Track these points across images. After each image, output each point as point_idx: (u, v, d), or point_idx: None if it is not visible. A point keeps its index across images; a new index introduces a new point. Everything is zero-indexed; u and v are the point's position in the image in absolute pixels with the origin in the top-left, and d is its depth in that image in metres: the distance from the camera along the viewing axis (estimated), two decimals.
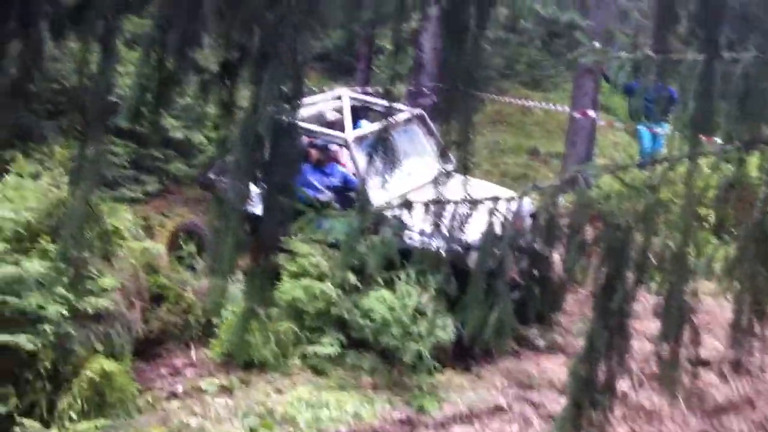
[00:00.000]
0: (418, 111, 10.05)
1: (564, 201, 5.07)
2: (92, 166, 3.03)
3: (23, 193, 7.26)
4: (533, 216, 4.02)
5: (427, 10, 3.48)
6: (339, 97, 10.05)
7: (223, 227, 2.74)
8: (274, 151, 2.79)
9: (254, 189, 3.04)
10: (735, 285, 5.13)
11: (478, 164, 14.16)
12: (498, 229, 4.78)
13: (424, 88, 13.98)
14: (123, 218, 7.89)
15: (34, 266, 6.54)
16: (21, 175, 7.65)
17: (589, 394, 4.87)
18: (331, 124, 9.77)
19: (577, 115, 13.41)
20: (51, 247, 6.82)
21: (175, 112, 9.96)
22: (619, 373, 4.98)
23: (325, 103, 10.17)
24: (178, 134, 9.96)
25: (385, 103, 11.45)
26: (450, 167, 4.15)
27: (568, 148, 13.68)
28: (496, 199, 4.70)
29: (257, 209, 3.05)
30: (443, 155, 9.81)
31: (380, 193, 4.47)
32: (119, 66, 3.09)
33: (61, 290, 6.59)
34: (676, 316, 4.66)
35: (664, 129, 11.58)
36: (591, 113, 13.37)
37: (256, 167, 2.76)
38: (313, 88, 12.56)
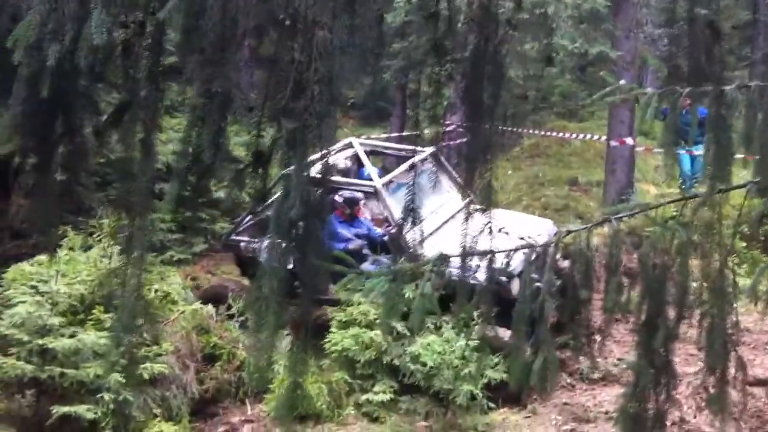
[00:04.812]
0: (430, 149, 10.38)
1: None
2: (140, 241, 3.20)
3: (75, 267, 7.51)
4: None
5: (458, 54, 3.61)
6: (349, 145, 10.28)
7: (264, 308, 2.87)
8: (306, 231, 2.94)
9: None
10: None
11: (518, 198, 14.16)
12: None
13: (458, 128, 14.09)
14: (173, 282, 8.10)
15: (91, 337, 6.77)
16: (72, 249, 7.91)
17: (640, 431, 4.87)
18: (344, 173, 10.00)
19: (614, 143, 13.39)
20: (105, 316, 7.04)
21: None
22: (669, 408, 4.97)
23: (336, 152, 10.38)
24: (221, 193, 10.15)
25: (394, 146, 11.71)
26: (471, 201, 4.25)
27: (608, 176, 13.66)
28: (532, 246, 4.81)
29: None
30: (463, 190, 9.93)
31: (412, 234, 4.56)
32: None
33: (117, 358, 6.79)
34: (720, 350, 4.66)
35: (702, 150, 11.53)
36: (628, 140, 13.33)
37: (291, 249, 2.91)
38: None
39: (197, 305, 8.08)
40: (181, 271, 9.21)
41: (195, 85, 2.90)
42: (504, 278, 6.51)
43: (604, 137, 14.24)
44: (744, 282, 5.68)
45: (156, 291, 7.67)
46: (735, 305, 4.72)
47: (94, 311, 7.14)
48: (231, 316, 8.83)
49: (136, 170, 3.01)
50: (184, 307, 7.96)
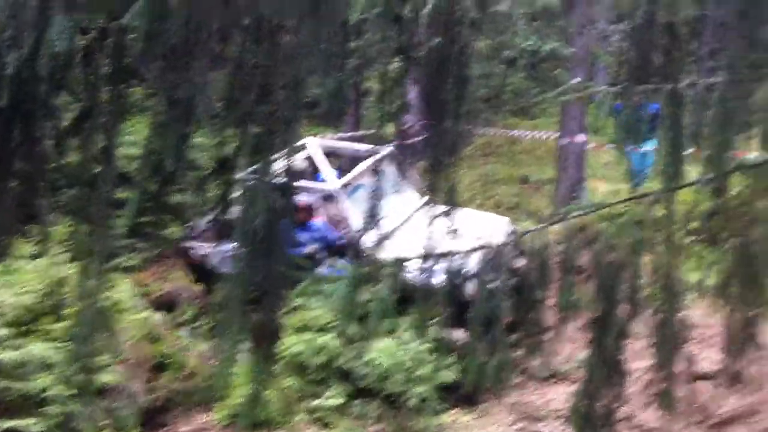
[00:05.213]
0: (388, 149, 10.22)
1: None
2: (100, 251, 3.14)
3: (23, 276, 7.31)
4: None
5: (411, 52, 3.63)
6: (305, 146, 10.01)
7: (228, 317, 2.85)
8: (270, 239, 2.93)
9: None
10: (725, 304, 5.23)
11: (471, 196, 14.22)
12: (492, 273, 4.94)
13: (413, 126, 14.05)
14: (122, 290, 7.95)
15: (37, 348, 6.60)
16: (19, 257, 7.69)
17: (591, 429, 4.96)
18: (301, 174, 9.85)
19: (565, 141, 13.50)
20: (53, 326, 6.88)
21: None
22: (619, 405, 5.07)
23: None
24: (172, 198, 9.93)
25: (352, 146, 11.56)
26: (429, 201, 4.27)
27: (560, 173, 13.71)
28: (488, 247, 4.86)
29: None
30: (421, 190, 9.79)
31: (370, 236, 4.55)
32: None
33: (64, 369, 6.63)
34: (670, 347, 4.77)
35: (653, 146, 11.70)
36: (580, 137, 13.43)
37: (255, 257, 2.89)
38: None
39: (147, 313, 7.94)
40: (130, 277, 9.02)
41: (158, 92, 2.86)
42: (458, 280, 6.54)
43: (555, 134, 14.31)
44: (691, 276, 5.80)
45: (107, 299, 7.50)
46: (684, 302, 4.84)
47: (41, 322, 6.98)
48: (181, 324, 8.72)
49: (97, 179, 2.97)
50: (134, 314, 7.82)
